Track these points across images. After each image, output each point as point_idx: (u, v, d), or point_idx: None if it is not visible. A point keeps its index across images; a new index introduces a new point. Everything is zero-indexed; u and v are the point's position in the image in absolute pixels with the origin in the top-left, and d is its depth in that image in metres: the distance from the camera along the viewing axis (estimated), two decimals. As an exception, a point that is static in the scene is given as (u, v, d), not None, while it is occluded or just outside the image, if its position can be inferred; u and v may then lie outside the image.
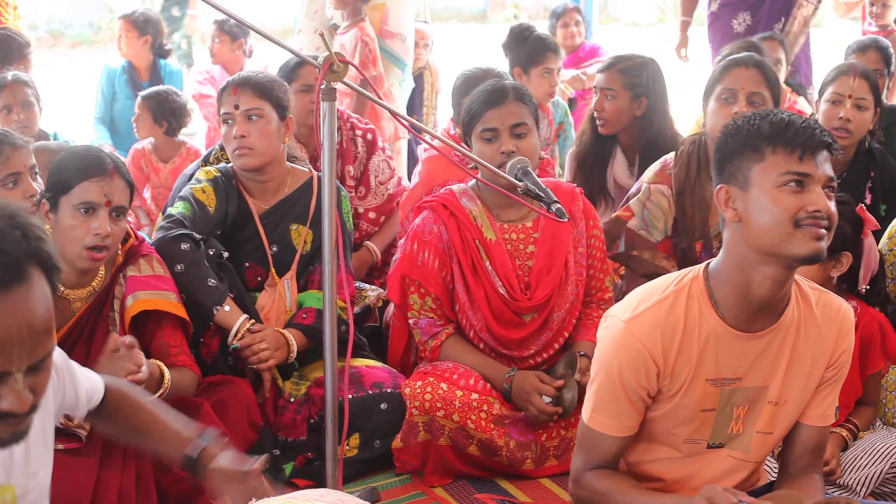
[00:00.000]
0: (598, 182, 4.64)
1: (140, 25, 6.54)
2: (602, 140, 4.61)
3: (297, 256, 3.61)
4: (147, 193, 5.38)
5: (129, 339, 2.89)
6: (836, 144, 2.32)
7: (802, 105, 5.52)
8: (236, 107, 3.50)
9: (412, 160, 5.98)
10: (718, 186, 2.35)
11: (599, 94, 4.53)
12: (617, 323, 2.41)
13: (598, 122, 4.55)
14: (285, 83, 3.72)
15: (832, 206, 2.27)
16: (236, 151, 3.53)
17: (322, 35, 2.57)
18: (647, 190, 3.80)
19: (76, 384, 2.17)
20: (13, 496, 1.97)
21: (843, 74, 4.16)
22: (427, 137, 3.42)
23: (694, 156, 3.74)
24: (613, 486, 2.44)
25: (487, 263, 3.48)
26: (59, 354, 2.09)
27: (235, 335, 3.36)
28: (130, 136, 5.62)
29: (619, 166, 4.63)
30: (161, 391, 3.02)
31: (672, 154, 3.82)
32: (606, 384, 2.42)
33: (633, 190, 3.91)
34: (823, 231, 2.26)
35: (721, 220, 2.39)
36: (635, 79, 4.47)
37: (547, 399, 3.34)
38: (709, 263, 2.43)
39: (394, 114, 2.91)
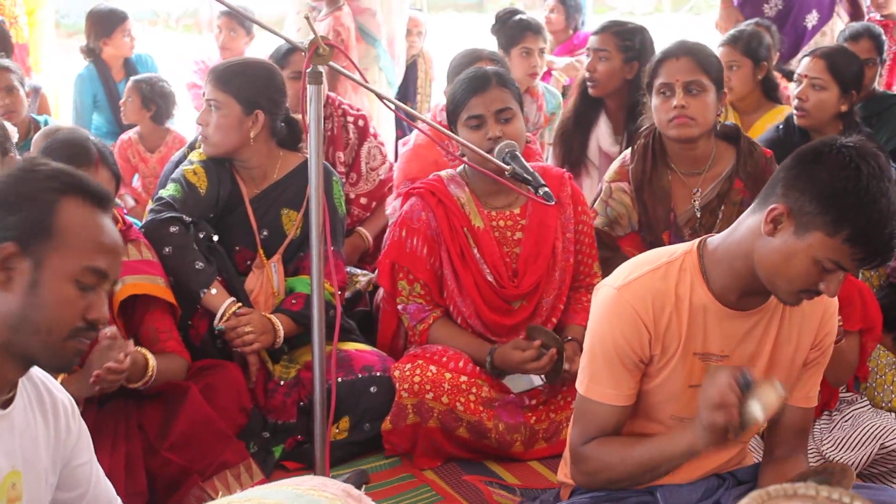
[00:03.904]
0: (579, 147, 4.67)
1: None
2: (587, 106, 4.66)
3: (287, 241, 3.60)
4: (137, 182, 5.32)
5: (111, 330, 2.90)
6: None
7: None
8: (205, 94, 3.55)
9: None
10: (777, 205, 2.23)
11: (592, 56, 4.58)
12: (609, 291, 2.42)
13: (588, 83, 4.61)
14: (270, 77, 3.57)
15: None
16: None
17: (307, 18, 2.58)
18: (607, 189, 3.79)
19: (81, 435, 2.15)
20: (21, 481, 1.95)
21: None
22: (414, 122, 3.41)
23: (649, 148, 3.70)
24: (621, 448, 2.43)
25: (475, 251, 3.48)
26: (69, 399, 2.09)
27: (221, 318, 3.37)
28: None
29: (603, 134, 4.65)
30: (146, 379, 3.03)
31: (629, 150, 3.81)
32: (602, 352, 2.43)
33: (597, 190, 3.91)
34: (814, 298, 2.31)
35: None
36: (628, 42, 4.54)
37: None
38: (705, 239, 2.43)
39: (381, 98, 2.90)
